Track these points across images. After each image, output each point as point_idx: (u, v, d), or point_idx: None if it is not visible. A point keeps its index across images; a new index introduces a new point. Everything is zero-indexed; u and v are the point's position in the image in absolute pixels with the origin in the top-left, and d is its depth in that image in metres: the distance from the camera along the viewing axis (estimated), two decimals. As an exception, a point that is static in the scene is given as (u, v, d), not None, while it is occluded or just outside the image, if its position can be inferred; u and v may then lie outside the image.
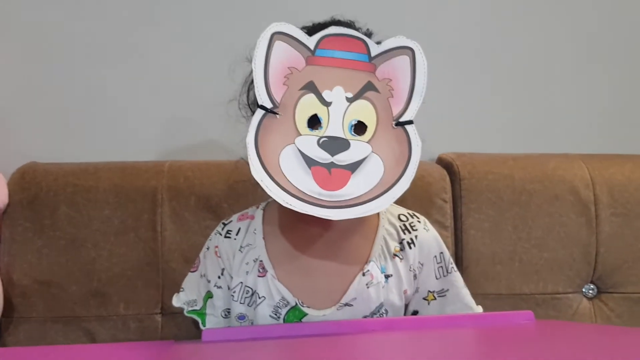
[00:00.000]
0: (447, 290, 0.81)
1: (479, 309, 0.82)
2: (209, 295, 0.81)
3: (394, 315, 0.78)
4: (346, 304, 0.75)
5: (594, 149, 1.15)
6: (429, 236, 0.81)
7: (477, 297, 1.02)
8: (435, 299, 0.80)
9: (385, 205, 0.68)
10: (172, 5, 1.14)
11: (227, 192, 1.02)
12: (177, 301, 0.83)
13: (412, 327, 0.72)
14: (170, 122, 1.16)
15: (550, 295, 1.03)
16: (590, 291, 1.05)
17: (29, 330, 0.98)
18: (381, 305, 0.76)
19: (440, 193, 1.05)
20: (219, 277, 0.80)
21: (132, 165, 1.05)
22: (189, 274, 0.84)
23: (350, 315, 0.75)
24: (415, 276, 0.79)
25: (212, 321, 0.81)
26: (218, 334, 0.70)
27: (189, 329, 0.97)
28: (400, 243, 0.79)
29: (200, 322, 0.81)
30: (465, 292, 0.82)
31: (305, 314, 0.75)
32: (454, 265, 0.82)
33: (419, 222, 0.82)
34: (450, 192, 1.06)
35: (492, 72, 1.21)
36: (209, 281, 0.81)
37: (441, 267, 0.81)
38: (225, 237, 0.80)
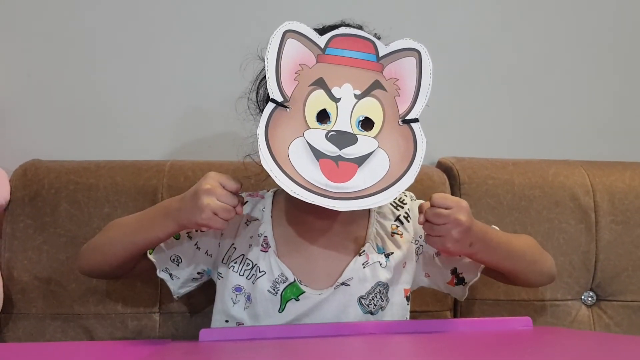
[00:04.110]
0: None
1: None
2: (176, 237, 0.81)
3: (394, 291, 0.80)
4: (343, 284, 0.77)
5: (595, 156, 1.15)
6: (415, 205, 0.84)
7: (476, 302, 1.03)
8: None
9: (390, 198, 0.71)
10: (179, 3, 1.14)
11: (228, 192, 1.02)
12: None
13: (410, 330, 0.72)
14: (173, 122, 1.16)
15: (549, 302, 1.03)
16: (589, 299, 1.05)
17: (27, 327, 0.98)
18: (376, 285, 0.79)
19: (440, 197, 1.05)
20: (196, 230, 0.80)
21: (133, 164, 1.05)
22: None
23: (347, 295, 0.77)
24: (421, 245, 0.83)
25: (158, 253, 0.81)
26: (215, 333, 0.70)
27: (186, 328, 0.98)
28: (397, 220, 0.84)
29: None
30: None
31: (303, 292, 0.77)
32: None
33: (406, 195, 0.87)
34: (450, 197, 1.06)
35: (493, 76, 1.21)
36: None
37: None
38: None
